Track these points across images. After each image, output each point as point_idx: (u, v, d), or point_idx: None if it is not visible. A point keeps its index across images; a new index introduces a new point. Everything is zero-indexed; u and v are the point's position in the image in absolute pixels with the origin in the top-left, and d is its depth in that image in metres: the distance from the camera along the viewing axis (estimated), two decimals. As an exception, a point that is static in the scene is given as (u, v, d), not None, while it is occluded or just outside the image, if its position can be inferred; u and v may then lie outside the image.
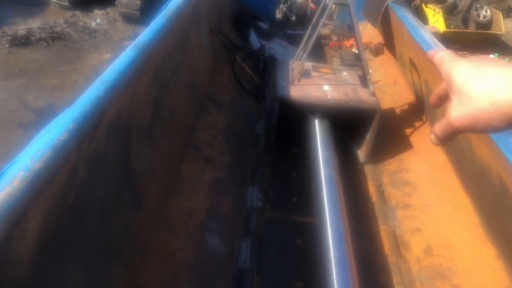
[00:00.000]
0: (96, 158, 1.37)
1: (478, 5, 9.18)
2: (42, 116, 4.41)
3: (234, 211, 2.35)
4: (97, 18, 7.47)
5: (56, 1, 7.57)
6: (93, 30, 7.05)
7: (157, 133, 2.11)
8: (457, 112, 0.60)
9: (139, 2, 7.28)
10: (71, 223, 1.25)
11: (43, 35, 6.37)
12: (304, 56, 3.03)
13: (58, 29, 6.75)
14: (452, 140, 0.66)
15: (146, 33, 1.89)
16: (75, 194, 1.24)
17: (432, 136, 0.68)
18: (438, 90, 0.73)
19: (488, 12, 9.14)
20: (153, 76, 2.02)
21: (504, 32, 9.06)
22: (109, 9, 7.82)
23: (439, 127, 0.65)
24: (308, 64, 3.18)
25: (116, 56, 1.66)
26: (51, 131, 1.09)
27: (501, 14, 9.32)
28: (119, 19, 7.56)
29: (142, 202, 1.84)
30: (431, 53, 0.71)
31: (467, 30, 8.91)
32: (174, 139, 2.36)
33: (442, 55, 0.67)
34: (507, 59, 6.36)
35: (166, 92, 2.30)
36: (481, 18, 9.06)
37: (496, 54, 6.48)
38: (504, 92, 0.55)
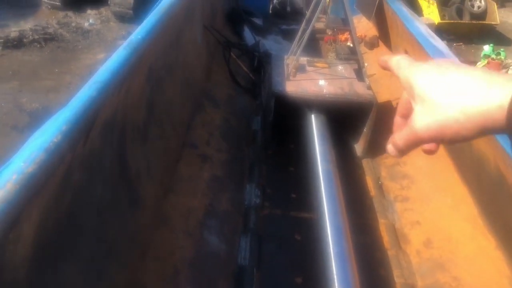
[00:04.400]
0: (91, 159, 1.35)
1: (472, -5, 9.18)
2: (37, 119, 4.38)
3: (232, 209, 2.34)
4: (90, 18, 7.42)
5: (48, 1, 7.51)
6: (86, 30, 7.00)
7: (152, 132, 2.10)
8: (422, 121, 0.54)
9: (132, 1, 7.23)
10: (68, 224, 1.23)
11: (36, 37, 6.33)
12: (299, 51, 3.01)
13: (50, 30, 6.71)
14: (412, 151, 0.59)
15: (139, 32, 1.88)
16: (72, 195, 1.23)
17: (390, 147, 0.60)
18: (400, 105, 0.64)
19: (483, 2, 9.13)
20: (146, 74, 2.00)
21: (498, 22, 9.05)
22: (102, 9, 7.77)
23: (400, 137, 0.57)
24: (303, 59, 3.17)
25: (110, 56, 1.65)
26: (44, 133, 1.08)
27: (495, 4, 9.31)
28: (112, 18, 7.51)
29: (139, 201, 1.83)
30: (383, 59, 0.64)
31: (462, 21, 8.91)
32: (170, 138, 2.35)
33: (398, 60, 0.61)
34: (501, 50, 6.36)
35: (161, 90, 2.29)
36: (476, 8, 9.06)
37: (491, 45, 6.48)
38: (475, 99, 0.50)
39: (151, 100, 2.11)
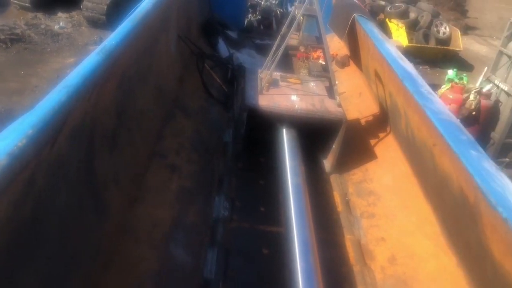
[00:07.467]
0: (57, 165, 1.31)
1: (438, 22, 9.60)
2: (-1, 121, 4.22)
3: (200, 221, 2.31)
4: (60, 21, 7.26)
5: (17, 2, 7.31)
6: (56, 33, 6.84)
7: (122, 140, 2.05)
8: None
9: (105, 7, 7.14)
10: (28, 232, 1.18)
11: (2, 37, 6.13)
12: (273, 66, 3.04)
13: (18, 31, 6.52)
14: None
15: (113, 38, 1.85)
16: (34, 201, 1.18)
17: None
18: None
19: (447, 29, 9.57)
20: (119, 81, 1.97)
21: (462, 49, 9.49)
22: (73, 13, 7.63)
23: None
24: (277, 74, 3.20)
25: (81, 60, 1.61)
26: (8, 137, 1.03)
27: (459, 31, 9.77)
28: (84, 23, 7.38)
29: (105, 211, 1.78)
30: None
31: (428, 46, 9.28)
32: (140, 146, 2.31)
33: None
34: (464, 75, 6.65)
35: (132, 98, 2.25)
36: (441, 34, 9.47)
37: (455, 70, 6.76)
38: None
39: (121, 108, 2.07)
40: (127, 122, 2.16)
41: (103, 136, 1.81)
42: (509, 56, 6.05)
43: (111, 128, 1.92)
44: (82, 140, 1.54)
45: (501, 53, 6.24)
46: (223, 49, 4.65)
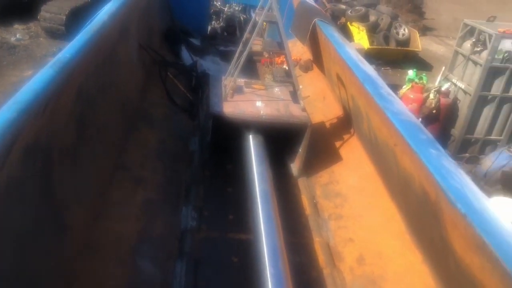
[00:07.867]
0: (8, 188, 1.25)
1: (397, 24, 9.90)
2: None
3: (167, 233, 2.27)
4: (17, 33, 7.02)
5: (-30, 14, 7.02)
6: (13, 46, 6.61)
7: (82, 155, 1.99)
8: None
9: (64, 17, 6.96)
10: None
11: (-45, 51, 5.87)
12: (236, 72, 3.04)
13: (-29, 44, 6.25)
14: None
15: (67, 50, 1.80)
16: (-16, 226, 1.12)
17: None
18: None
19: (406, 30, 9.88)
20: (76, 94, 1.91)
21: (420, 49, 9.81)
22: (31, 24, 7.40)
23: None
24: (241, 81, 3.20)
25: (38, 73, 1.55)
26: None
27: (417, 32, 10.11)
28: (42, 34, 7.17)
29: (66, 229, 1.72)
30: None
31: (388, 47, 9.54)
32: (102, 161, 2.25)
33: None
34: (424, 74, 6.86)
35: (92, 110, 2.19)
36: (400, 36, 9.76)
37: (414, 70, 6.97)
38: None
39: (81, 121, 2.01)
40: (88, 136, 2.10)
41: (62, 152, 1.75)
42: (464, 56, 6.29)
43: (70, 143, 1.86)
44: (38, 159, 1.48)
45: (457, 52, 6.49)
46: (187, 56, 4.61)
